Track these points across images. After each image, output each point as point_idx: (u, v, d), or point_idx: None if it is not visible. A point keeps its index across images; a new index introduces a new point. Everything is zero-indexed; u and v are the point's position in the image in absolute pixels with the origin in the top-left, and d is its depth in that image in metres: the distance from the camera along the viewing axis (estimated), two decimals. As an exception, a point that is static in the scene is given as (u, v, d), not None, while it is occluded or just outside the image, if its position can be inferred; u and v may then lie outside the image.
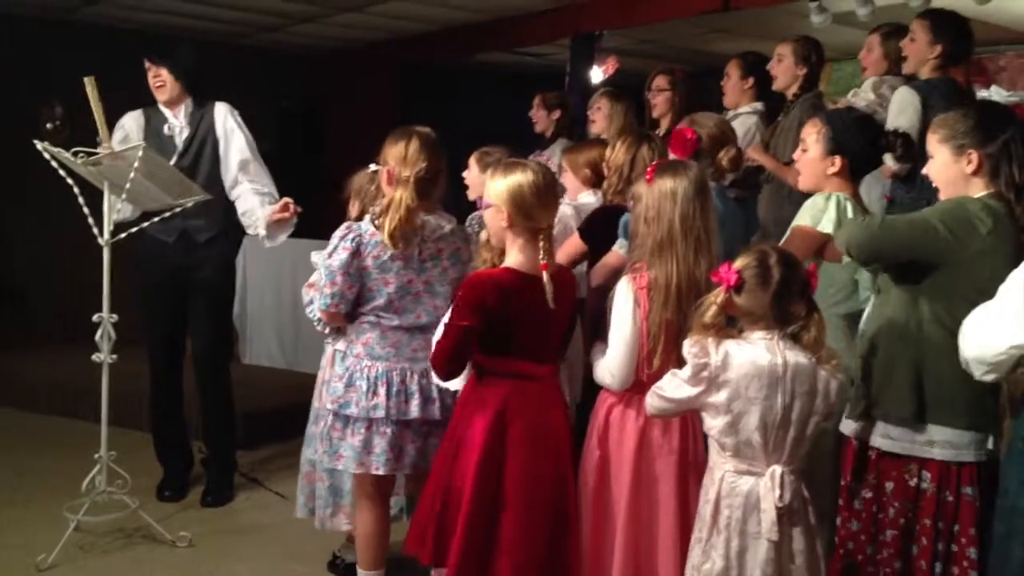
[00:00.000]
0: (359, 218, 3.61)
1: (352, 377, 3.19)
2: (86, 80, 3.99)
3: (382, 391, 3.16)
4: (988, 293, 2.52)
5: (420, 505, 2.96)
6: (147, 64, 4.51)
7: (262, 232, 4.30)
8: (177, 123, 4.50)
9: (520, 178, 2.83)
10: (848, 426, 2.87)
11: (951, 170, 2.75)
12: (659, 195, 2.87)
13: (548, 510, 2.84)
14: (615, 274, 3.28)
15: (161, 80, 4.47)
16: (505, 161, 3.00)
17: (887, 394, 2.74)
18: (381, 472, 3.16)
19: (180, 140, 4.46)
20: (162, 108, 4.54)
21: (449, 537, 2.78)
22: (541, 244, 2.85)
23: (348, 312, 3.22)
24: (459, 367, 2.88)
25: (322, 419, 3.29)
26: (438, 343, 2.88)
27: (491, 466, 2.79)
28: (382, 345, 3.19)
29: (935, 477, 2.68)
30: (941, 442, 2.68)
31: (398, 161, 3.15)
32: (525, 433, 2.82)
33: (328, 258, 3.16)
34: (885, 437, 2.75)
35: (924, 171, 2.91)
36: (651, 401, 2.71)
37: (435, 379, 3.10)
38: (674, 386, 2.62)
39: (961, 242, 2.63)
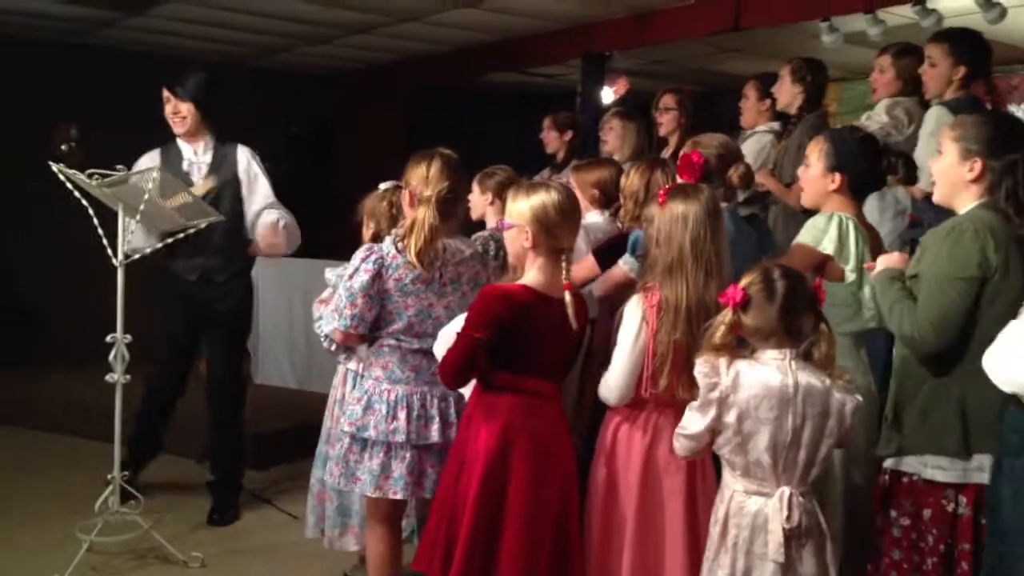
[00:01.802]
0: (374, 239, 3.62)
1: (371, 400, 3.17)
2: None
3: (402, 415, 3.14)
4: (1009, 316, 2.52)
5: (428, 522, 2.96)
6: (167, 95, 4.49)
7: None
8: (196, 160, 4.54)
9: (544, 198, 2.85)
10: (889, 459, 2.85)
11: (953, 171, 2.78)
12: (670, 218, 2.89)
13: (551, 528, 2.83)
14: (617, 288, 3.32)
15: (182, 115, 4.48)
16: (528, 182, 3.02)
17: (928, 432, 2.71)
18: (399, 497, 3.14)
19: (199, 176, 4.49)
20: (180, 143, 4.55)
21: (453, 552, 2.78)
22: (563, 264, 2.86)
23: (365, 334, 3.22)
24: (467, 378, 2.90)
25: (338, 441, 3.28)
26: (448, 352, 2.87)
27: (494, 481, 2.79)
28: (402, 368, 3.17)
29: (970, 501, 2.66)
30: (987, 467, 2.63)
31: (420, 181, 3.15)
32: (530, 449, 2.82)
33: (349, 279, 3.14)
34: (937, 468, 2.70)
35: (930, 163, 2.92)
36: (678, 445, 2.70)
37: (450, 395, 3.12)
38: (692, 420, 2.62)
39: (983, 275, 2.66)
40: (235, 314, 4.66)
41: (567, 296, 2.84)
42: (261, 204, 4.56)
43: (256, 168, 4.61)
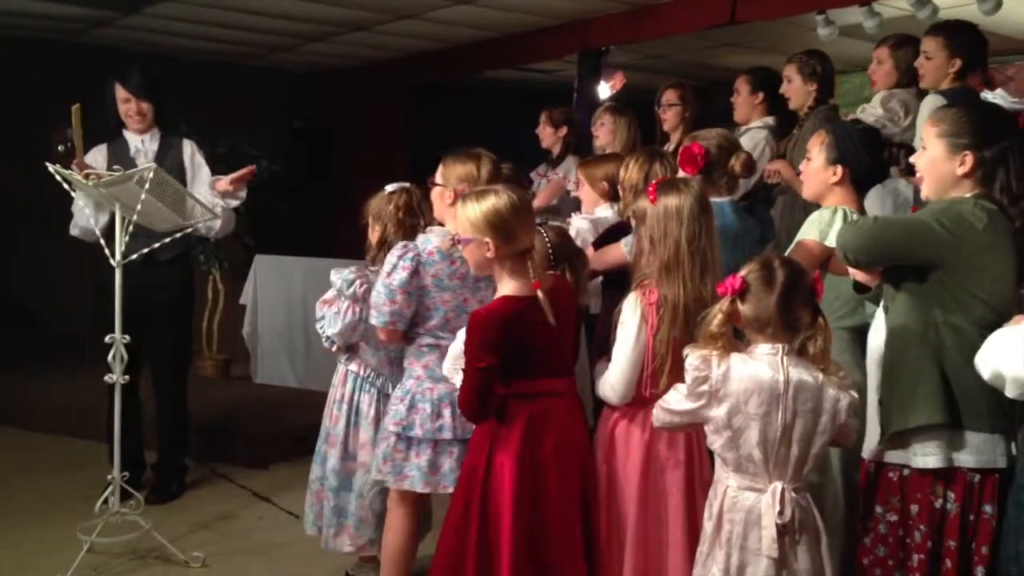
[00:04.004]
0: (381, 242, 3.61)
1: (414, 399, 3.23)
2: (73, 108, 4.15)
3: (446, 412, 3.19)
4: (996, 292, 2.50)
5: (446, 535, 2.87)
6: (126, 95, 4.67)
7: (219, 203, 4.52)
8: (144, 148, 4.70)
9: (495, 201, 2.76)
10: (873, 449, 2.79)
11: (941, 167, 2.71)
12: (664, 214, 2.87)
13: (582, 526, 2.83)
14: (611, 267, 3.36)
15: (142, 113, 4.69)
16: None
17: (917, 408, 2.65)
18: (451, 490, 3.13)
19: (145, 162, 4.47)
20: (126, 135, 4.74)
21: (494, 570, 2.73)
22: (529, 264, 2.80)
23: (405, 331, 3.25)
24: (488, 407, 2.80)
25: (383, 440, 3.31)
26: (462, 390, 2.82)
27: (527, 492, 2.76)
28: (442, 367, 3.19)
29: (959, 496, 2.62)
30: (973, 447, 2.61)
31: (470, 182, 3.18)
32: (554, 452, 2.81)
33: (387, 277, 3.19)
34: (925, 455, 2.65)
35: (912, 159, 2.86)
36: (657, 414, 2.72)
37: None
38: (676, 399, 2.63)
39: (959, 239, 2.59)
40: (178, 296, 4.87)
41: (539, 295, 2.77)
42: (202, 189, 4.66)
43: (200, 158, 4.83)
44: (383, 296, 3.19)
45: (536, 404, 2.82)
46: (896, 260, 2.69)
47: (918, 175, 2.85)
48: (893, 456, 2.73)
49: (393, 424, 3.25)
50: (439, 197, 3.28)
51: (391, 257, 3.22)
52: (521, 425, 2.79)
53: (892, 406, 2.72)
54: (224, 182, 4.59)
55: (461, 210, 2.82)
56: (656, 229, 2.88)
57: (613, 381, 2.89)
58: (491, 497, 2.78)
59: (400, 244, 3.25)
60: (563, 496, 2.81)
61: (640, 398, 2.89)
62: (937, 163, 2.73)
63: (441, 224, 3.31)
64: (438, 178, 3.30)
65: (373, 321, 3.26)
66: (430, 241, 3.21)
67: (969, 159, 2.66)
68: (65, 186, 4.00)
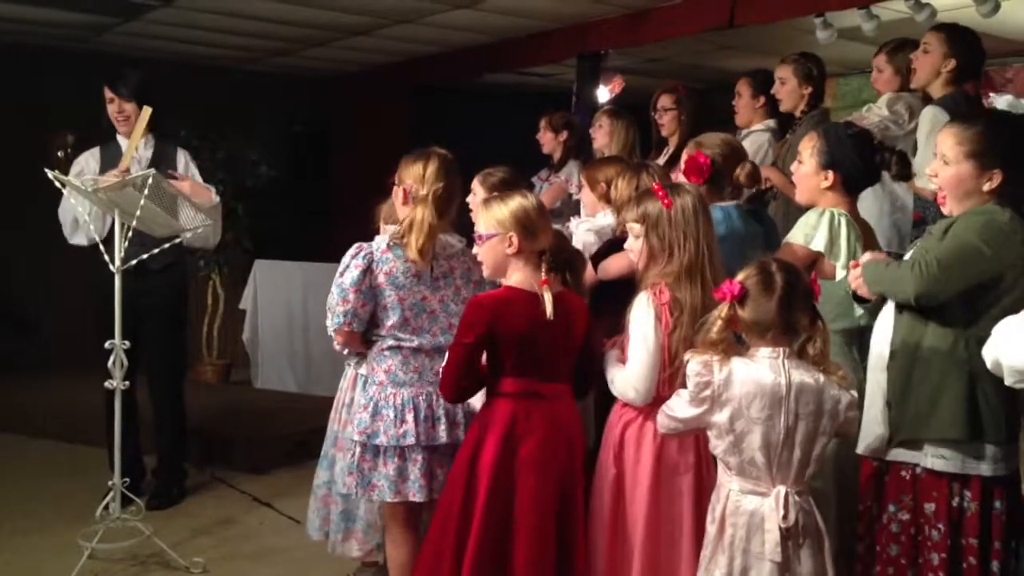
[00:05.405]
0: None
1: (377, 406, 3.16)
2: (145, 108, 4.21)
3: (410, 418, 3.13)
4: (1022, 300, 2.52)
5: (431, 535, 2.93)
6: (110, 96, 4.67)
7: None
8: (137, 154, 4.65)
9: (522, 202, 2.92)
10: (877, 448, 2.82)
11: (969, 183, 2.72)
12: (683, 217, 2.88)
13: (555, 531, 2.84)
14: (621, 274, 3.32)
15: (126, 114, 4.66)
16: (498, 192, 3.05)
17: (936, 419, 2.68)
18: (418, 499, 3.13)
19: (138, 169, 4.46)
20: (120, 139, 4.71)
21: (463, 562, 2.77)
22: (543, 263, 2.89)
23: (363, 334, 3.22)
24: (466, 388, 2.90)
25: (349, 451, 3.25)
26: (444, 366, 2.91)
27: (501, 492, 2.80)
28: (405, 371, 3.17)
29: (976, 495, 2.65)
30: (989, 457, 2.66)
31: (416, 180, 3.19)
32: (534, 455, 2.83)
33: (339, 277, 3.16)
34: (938, 457, 2.68)
35: (930, 172, 2.86)
36: (661, 420, 2.73)
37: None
38: (679, 405, 2.64)
39: (1001, 254, 2.64)
40: (170, 303, 4.86)
41: (545, 292, 2.84)
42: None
43: (194, 169, 4.84)
44: (336, 297, 3.15)
45: (520, 404, 2.85)
46: (958, 292, 2.69)
47: (935, 188, 2.84)
48: (903, 455, 2.76)
49: (358, 433, 3.17)
50: (395, 196, 3.29)
51: (345, 258, 3.20)
52: (501, 425, 2.83)
53: (906, 411, 2.73)
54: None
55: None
56: (674, 232, 2.88)
57: (635, 382, 2.86)
58: (470, 497, 2.82)
59: (355, 245, 3.23)
60: (538, 500, 2.82)
61: (659, 398, 2.86)
62: (965, 180, 2.74)
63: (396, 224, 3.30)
64: (396, 178, 3.30)
65: (328, 323, 3.22)
66: (384, 240, 3.20)
67: (998, 176, 2.70)
68: (66, 192, 4.00)
